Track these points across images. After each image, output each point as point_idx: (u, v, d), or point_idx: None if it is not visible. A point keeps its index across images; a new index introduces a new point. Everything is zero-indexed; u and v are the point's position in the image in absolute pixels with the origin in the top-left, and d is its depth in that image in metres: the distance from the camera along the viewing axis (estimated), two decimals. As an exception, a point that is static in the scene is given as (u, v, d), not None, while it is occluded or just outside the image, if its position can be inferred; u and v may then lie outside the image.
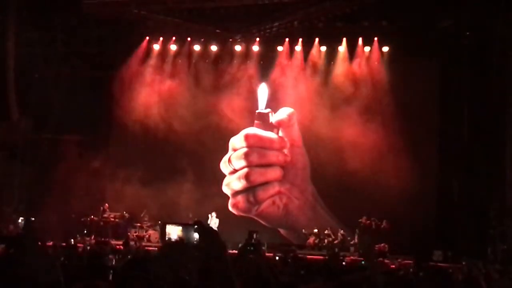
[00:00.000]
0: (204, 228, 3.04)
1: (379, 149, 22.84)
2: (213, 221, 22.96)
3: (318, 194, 23.08)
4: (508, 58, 21.60)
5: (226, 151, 21.01)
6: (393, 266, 14.67)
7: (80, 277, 4.45)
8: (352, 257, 19.00)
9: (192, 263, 2.97)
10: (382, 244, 21.81)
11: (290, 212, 22.59)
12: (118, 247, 16.87)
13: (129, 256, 9.36)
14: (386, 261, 17.85)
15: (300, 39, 25.28)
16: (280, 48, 25.63)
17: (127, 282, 3.25)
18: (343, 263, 13.32)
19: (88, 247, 14.35)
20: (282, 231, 23.44)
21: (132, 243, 19.44)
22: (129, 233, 23.24)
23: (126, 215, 24.38)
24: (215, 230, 3.03)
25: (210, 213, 23.10)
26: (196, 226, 3.13)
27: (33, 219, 23.53)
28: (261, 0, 23.52)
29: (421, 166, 22.96)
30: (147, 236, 23.68)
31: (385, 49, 24.47)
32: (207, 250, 2.96)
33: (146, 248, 17.09)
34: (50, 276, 3.62)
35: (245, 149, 20.30)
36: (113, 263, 10.52)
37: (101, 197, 24.94)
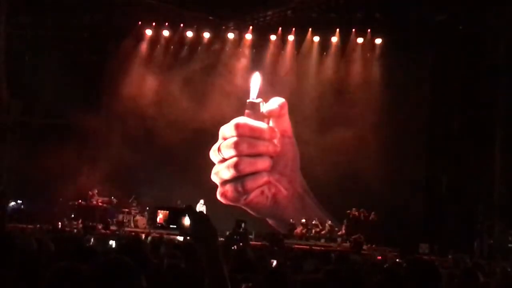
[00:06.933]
0: (195, 213, 3.01)
1: (369, 141, 22.87)
2: (200, 209, 22.98)
3: (307, 185, 23.09)
4: (500, 53, 21.60)
5: (216, 139, 20.92)
6: (379, 257, 14.70)
7: (64, 260, 4.40)
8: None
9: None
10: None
11: (278, 202, 22.56)
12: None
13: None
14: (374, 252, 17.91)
15: (293, 29, 25.25)
16: (273, 37, 25.59)
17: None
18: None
19: (75, 231, 14.33)
20: (270, 220, 23.44)
21: (113, 227, 19.40)
22: (109, 219, 23.19)
23: (114, 200, 24.33)
24: (206, 215, 3.00)
25: (198, 201, 23.11)
26: (187, 211, 3.11)
27: (20, 201, 23.48)
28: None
29: (410, 159, 23.05)
30: (133, 220, 23.71)
31: (378, 41, 24.46)
32: (198, 234, 2.94)
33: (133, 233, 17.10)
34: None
35: (235, 138, 20.19)
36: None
37: (90, 182, 24.83)
